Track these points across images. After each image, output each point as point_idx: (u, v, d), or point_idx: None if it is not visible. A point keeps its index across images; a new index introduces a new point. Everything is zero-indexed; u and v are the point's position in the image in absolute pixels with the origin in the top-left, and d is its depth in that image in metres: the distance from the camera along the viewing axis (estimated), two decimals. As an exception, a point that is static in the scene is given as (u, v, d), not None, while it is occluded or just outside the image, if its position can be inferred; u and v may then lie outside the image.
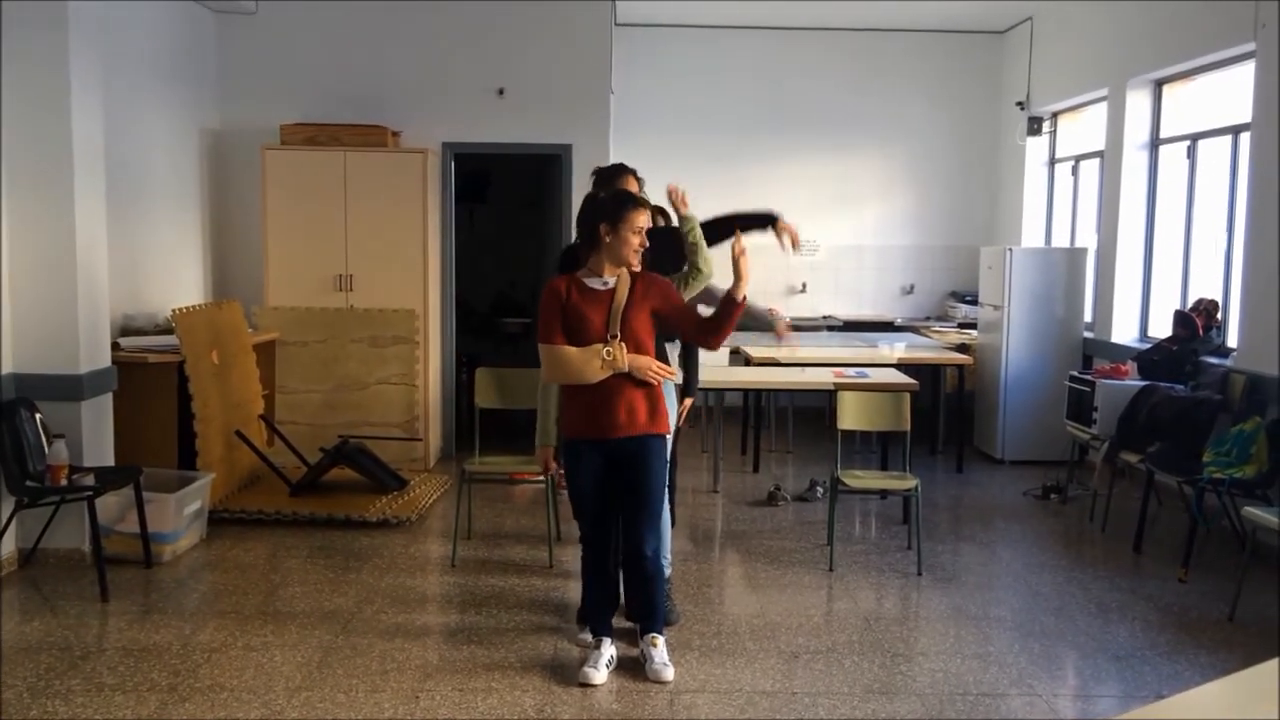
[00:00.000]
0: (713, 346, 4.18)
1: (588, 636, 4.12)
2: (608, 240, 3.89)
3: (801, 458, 7.96)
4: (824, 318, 9.42)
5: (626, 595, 4.20)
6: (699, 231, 4.36)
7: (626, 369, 3.85)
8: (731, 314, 3.94)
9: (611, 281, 3.94)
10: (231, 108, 7.61)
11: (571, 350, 3.86)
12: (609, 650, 3.99)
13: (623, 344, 3.86)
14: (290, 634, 4.32)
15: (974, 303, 8.77)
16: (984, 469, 7.62)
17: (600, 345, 3.84)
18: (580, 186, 7.63)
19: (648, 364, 3.90)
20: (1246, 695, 1.85)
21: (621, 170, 4.45)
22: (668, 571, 4.50)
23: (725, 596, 4.96)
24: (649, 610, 4.06)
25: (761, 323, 5.32)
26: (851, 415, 5.47)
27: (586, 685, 3.84)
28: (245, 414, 6.38)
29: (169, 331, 5.99)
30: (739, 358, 7.56)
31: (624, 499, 3.97)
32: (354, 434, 6.68)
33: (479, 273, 9.56)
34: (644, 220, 3.94)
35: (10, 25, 4.91)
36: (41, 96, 4.97)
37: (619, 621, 4.21)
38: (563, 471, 4.20)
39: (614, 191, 4.14)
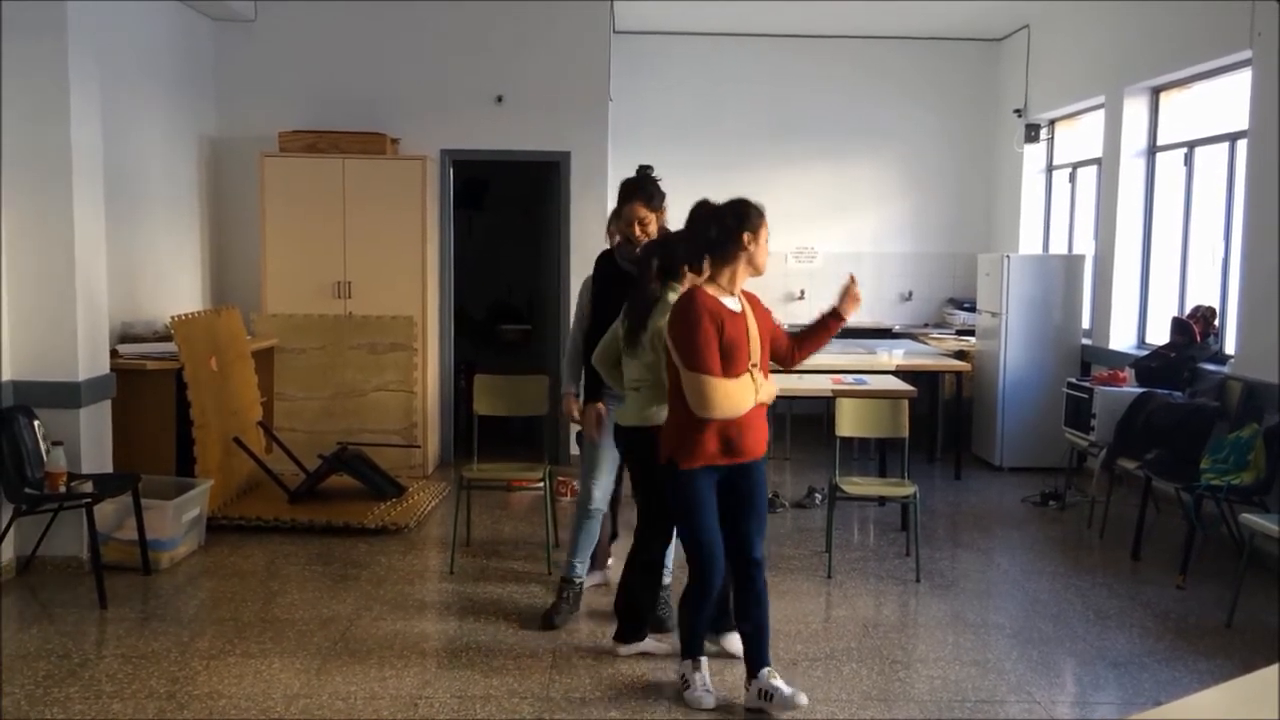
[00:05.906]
0: (793, 365, 4.09)
1: (638, 646, 4.19)
2: (751, 249, 3.64)
3: (800, 465, 7.96)
4: (822, 324, 9.42)
5: (739, 606, 3.85)
6: None
7: (770, 401, 3.69)
8: (830, 331, 3.97)
9: (738, 303, 3.66)
10: (230, 115, 7.62)
11: (732, 384, 3.54)
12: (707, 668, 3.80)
13: (763, 373, 3.67)
14: (288, 641, 4.31)
15: (972, 309, 8.78)
16: (982, 476, 7.62)
17: (748, 376, 3.59)
18: (579, 194, 7.68)
19: (774, 391, 3.74)
20: (1245, 701, 1.85)
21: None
22: (667, 579, 4.50)
23: (724, 603, 4.95)
24: (766, 635, 3.78)
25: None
26: (850, 422, 5.48)
27: (702, 710, 3.70)
28: (243, 421, 6.38)
29: (167, 338, 5.99)
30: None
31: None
32: (352, 441, 6.70)
33: (477, 279, 9.56)
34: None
35: (9, 32, 4.92)
36: (40, 103, 4.98)
37: (607, 619, 4.21)
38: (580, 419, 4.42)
39: (740, 199, 3.76)
